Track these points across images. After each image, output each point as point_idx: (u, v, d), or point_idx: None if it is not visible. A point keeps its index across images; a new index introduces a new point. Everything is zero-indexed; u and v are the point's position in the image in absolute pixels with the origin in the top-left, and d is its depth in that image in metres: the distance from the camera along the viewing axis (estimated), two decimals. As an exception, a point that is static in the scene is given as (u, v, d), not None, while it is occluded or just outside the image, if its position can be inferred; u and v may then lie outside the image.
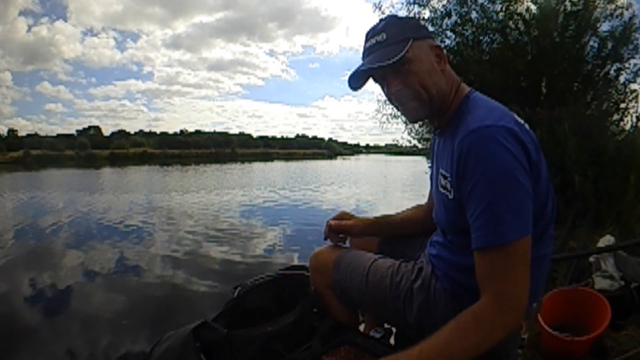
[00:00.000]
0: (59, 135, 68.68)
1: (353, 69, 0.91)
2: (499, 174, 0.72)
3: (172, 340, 0.96)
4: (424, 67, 0.85)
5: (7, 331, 2.94)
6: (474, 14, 5.11)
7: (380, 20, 0.90)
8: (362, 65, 0.88)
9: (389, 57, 0.83)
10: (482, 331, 0.71)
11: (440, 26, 5.29)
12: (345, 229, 1.18)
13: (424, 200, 1.19)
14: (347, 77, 0.92)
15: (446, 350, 0.71)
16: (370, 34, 0.89)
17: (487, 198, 0.73)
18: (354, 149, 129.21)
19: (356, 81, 0.93)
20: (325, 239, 1.19)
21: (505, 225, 0.71)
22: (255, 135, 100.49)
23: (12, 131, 58.81)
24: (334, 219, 1.20)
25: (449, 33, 5.32)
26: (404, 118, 0.95)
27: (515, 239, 0.72)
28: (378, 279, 1.02)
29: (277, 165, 36.48)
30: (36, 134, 66.27)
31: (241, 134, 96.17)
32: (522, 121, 0.83)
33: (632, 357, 1.45)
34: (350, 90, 0.96)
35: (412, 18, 0.96)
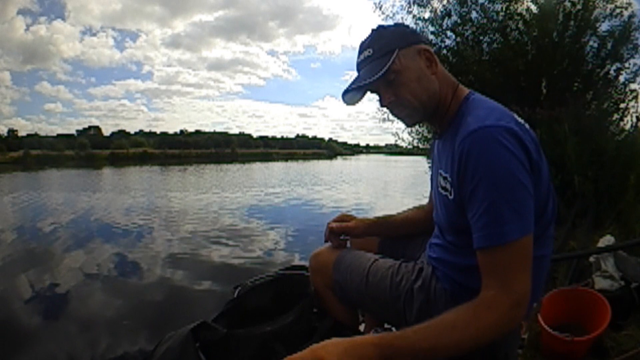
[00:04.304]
0: (59, 135, 68.65)
1: (346, 87, 0.92)
2: (500, 174, 0.73)
3: (172, 341, 0.96)
4: (413, 75, 0.86)
5: (6, 333, 2.93)
6: (474, 14, 5.12)
7: (372, 30, 0.92)
8: (353, 83, 0.90)
9: (375, 72, 0.85)
10: (494, 316, 0.70)
11: (441, 26, 5.29)
12: (346, 230, 1.18)
13: (424, 201, 1.19)
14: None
15: (462, 330, 0.69)
16: (360, 49, 0.91)
17: (488, 198, 0.73)
18: (354, 149, 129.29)
19: (352, 98, 0.94)
20: (326, 241, 1.19)
21: (507, 225, 0.72)
22: (255, 135, 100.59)
23: (12, 131, 58.56)
24: (335, 221, 1.20)
25: (449, 33, 5.32)
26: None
27: (517, 238, 0.72)
28: (378, 279, 1.02)
29: (277, 166, 36.48)
30: (36, 134, 66.05)
31: (241, 134, 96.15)
32: (522, 121, 0.83)
33: (632, 357, 1.45)
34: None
35: (399, 25, 0.95)
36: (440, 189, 0.88)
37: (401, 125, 6.23)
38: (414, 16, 5.36)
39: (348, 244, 1.21)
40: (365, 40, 0.91)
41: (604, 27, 4.73)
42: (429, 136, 5.49)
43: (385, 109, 0.94)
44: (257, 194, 12.58)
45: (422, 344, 0.67)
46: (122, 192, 12.96)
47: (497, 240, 0.72)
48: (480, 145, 0.74)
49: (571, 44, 4.67)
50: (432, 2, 5.29)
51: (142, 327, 3.03)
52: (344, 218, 1.21)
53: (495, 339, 0.72)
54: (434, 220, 1.02)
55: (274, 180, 18.45)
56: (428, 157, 6.11)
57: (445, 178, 0.85)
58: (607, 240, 2.19)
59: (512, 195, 0.72)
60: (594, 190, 3.22)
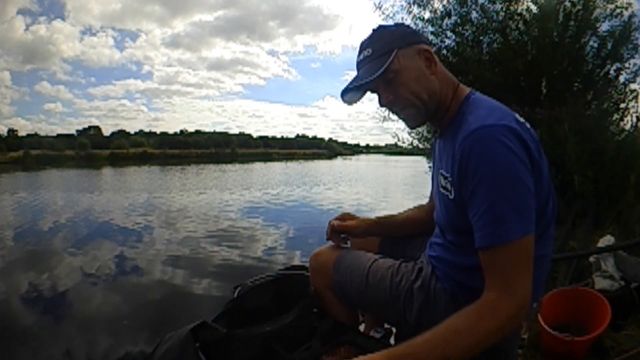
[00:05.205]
0: (59, 135, 68.70)
1: (345, 86, 0.92)
2: (501, 173, 0.73)
3: (172, 341, 0.96)
4: (412, 75, 0.86)
5: (7, 333, 2.93)
6: (474, 14, 5.09)
7: (372, 30, 0.92)
8: (351, 82, 0.90)
9: (374, 71, 0.85)
10: (497, 320, 0.70)
11: (440, 26, 5.28)
12: (347, 229, 1.18)
13: (424, 201, 1.19)
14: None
15: (467, 336, 0.69)
16: (360, 49, 0.91)
17: (489, 197, 0.73)
18: (354, 149, 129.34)
19: (351, 97, 0.94)
20: (328, 239, 1.19)
21: (508, 224, 0.72)
22: (255, 135, 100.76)
23: (12, 131, 58.57)
24: (336, 219, 1.20)
25: (449, 33, 5.31)
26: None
27: (518, 237, 0.72)
28: (378, 280, 1.02)
29: (277, 166, 36.47)
30: (36, 134, 66.03)
31: (241, 134, 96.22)
32: (523, 120, 0.83)
33: (632, 357, 1.45)
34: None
35: (400, 25, 0.96)
36: (441, 188, 0.88)
37: (401, 125, 6.26)
38: (414, 16, 5.35)
39: (349, 243, 1.21)
40: (366, 39, 0.91)
41: (604, 27, 4.72)
42: (429, 136, 5.48)
43: (385, 108, 0.94)
44: (257, 194, 12.58)
45: (430, 355, 0.68)
46: (122, 192, 12.95)
47: (499, 239, 0.72)
48: (481, 144, 0.74)
49: (571, 44, 4.66)
50: (432, 2, 5.28)
51: (142, 327, 3.03)
52: (346, 217, 1.21)
53: (498, 341, 0.72)
54: (434, 220, 1.02)
55: (274, 181, 18.44)
56: (428, 157, 6.10)
57: (446, 177, 0.85)
58: (607, 240, 2.19)
59: (514, 194, 0.72)
60: (594, 190, 3.21)
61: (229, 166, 33.30)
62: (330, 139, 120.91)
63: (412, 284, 0.97)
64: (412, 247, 1.17)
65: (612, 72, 4.77)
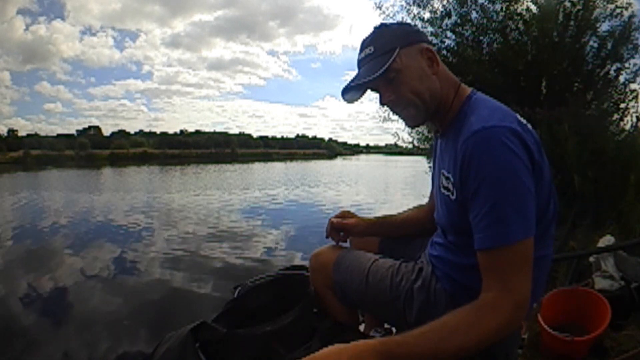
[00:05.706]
0: (59, 135, 68.75)
1: (345, 84, 0.91)
2: (503, 175, 0.72)
3: (172, 341, 0.96)
4: (414, 74, 0.86)
5: (7, 333, 2.93)
6: (473, 14, 5.10)
7: (374, 28, 0.91)
8: (352, 80, 0.89)
9: (375, 70, 0.84)
10: (496, 320, 0.69)
11: (440, 26, 5.28)
12: (346, 227, 1.18)
13: (425, 201, 1.19)
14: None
15: (464, 333, 0.68)
16: (361, 46, 0.91)
17: (491, 199, 0.73)
18: (354, 149, 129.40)
19: (352, 96, 0.94)
20: (327, 236, 1.19)
21: (510, 226, 0.71)
22: (255, 135, 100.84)
23: (12, 131, 58.57)
24: (337, 216, 1.21)
25: (448, 33, 5.31)
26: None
27: (520, 239, 0.72)
28: (378, 280, 1.02)
29: (278, 166, 36.47)
30: (36, 134, 66.08)
31: (241, 134, 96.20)
32: (524, 121, 0.82)
33: (632, 357, 1.45)
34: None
35: (402, 24, 0.96)
36: (442, 189, 0.88)
37: (401, 125, 6.26)
38: (413, 16, 5.35)
39: (348, 242, 1.22)
40: (367, 37, 0.90)
41: (604, 27, 4.72)
42: (429, 136, 5.48)
43: (386, 108, 0.94)
44: (257, 194, 12.58)
45: (424, 349, 0.67)
46: (122, 193, 12.95)
47: (500, 241, 0.72)
48: (483, 145, 0.74)
49: (571, 44, 4.66)
50: (432, 2, 5.28)
51: (142, 327, 3.03)
52: (346, 214, 1.21)
53: (496, 341, 0.71)
54: (434, 220, 1.01)
55: (274, 181, 18.44)
56: (428, 157, 6.11)
57: (447, 178, 0.85)
58: (607, 240, 2.19)
59: (516, 196, 0.72)
60: (594, 190, 3.21)
61: (229, 166, 33.30)
62: (330, 139, 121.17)
63: (412, 284, 0.97)
64: (412, 247, 1.17)
65: (612, 72, 4.77)
